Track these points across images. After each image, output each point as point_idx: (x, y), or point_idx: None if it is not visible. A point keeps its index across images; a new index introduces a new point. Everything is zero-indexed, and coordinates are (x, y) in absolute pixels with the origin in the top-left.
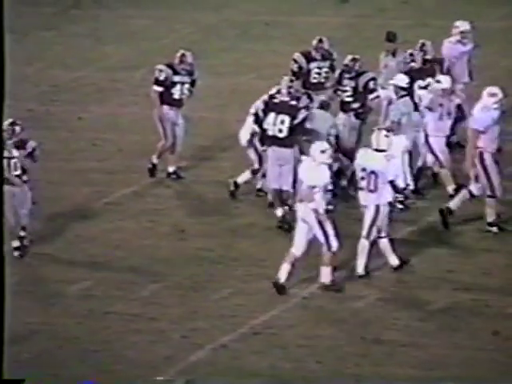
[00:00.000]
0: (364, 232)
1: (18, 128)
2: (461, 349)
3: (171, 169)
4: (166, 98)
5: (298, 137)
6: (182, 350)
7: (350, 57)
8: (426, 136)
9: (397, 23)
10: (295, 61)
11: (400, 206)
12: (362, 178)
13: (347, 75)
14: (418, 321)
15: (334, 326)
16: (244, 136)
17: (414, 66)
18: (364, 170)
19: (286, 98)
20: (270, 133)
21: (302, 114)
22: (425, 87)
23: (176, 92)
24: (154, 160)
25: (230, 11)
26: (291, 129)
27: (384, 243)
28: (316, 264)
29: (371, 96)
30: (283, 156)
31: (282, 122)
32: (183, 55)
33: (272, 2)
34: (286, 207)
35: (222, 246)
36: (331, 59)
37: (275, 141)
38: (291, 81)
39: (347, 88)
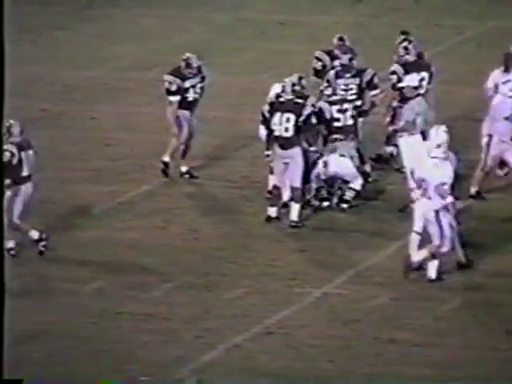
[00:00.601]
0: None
1: (16, 129)
2: (474, 348)
3: (184, 168)
4: (182, 104)
5: (306, 134)
6: (195, 349)
7: (346, 56)
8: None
9: (409, 23)
10: (318, 59)
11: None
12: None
13: (348, 74)
14: (431, 320)
15: (346, 326)
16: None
17: (409, 58)
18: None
19: (291, 96)
20: (277, 133)
21: (306, 111)
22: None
23: (190, 96)
24: (166, 158)
25: (245, 11)
26: (297, 127)
27: (416, 238)
28: (328, 261)
29: (375, 92)
30: (289, 154)
31: (288, 121)
32: (188, 59)
33: (287, 2)
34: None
35: (235, 245)
36: (353, 57)
37: (281, 140)
38: (300, 78)
39: (352, 86)
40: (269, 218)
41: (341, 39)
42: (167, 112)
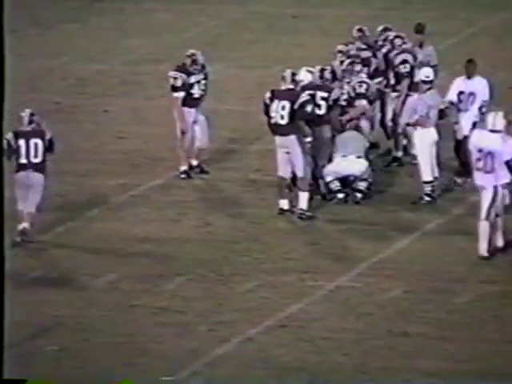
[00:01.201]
0: (483, 213)
1: (25, 119)
2: (488, 342)
3: (195, 162)
4: (187, 101)
5: (300, 122)
6: (208, 342)
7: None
8: None
9: (422, 15)
10: (341, 52)
11: (427, 199)
12: (479, 160)
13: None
14: (445, 313)
15: (360, 319)
16: None
17: (407, 47)
18: (480, 151)
19: (290, 86)
20: (273, 120)
21: (301, 98)
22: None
23: (195, 92)
24: (193, 162)
25: (256, 4)
26: (292, 114)
27: (486, 226)
28: (341, 255)
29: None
30: (287, 143)
31: (283, 108)
32: (194, 55)
33: None
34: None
35: (248, 238)
36: (374, 47)
37: (278, 128)
38: (322, 70)
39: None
40: (281, 211)
41: (360, 30)
42: (174, 113)
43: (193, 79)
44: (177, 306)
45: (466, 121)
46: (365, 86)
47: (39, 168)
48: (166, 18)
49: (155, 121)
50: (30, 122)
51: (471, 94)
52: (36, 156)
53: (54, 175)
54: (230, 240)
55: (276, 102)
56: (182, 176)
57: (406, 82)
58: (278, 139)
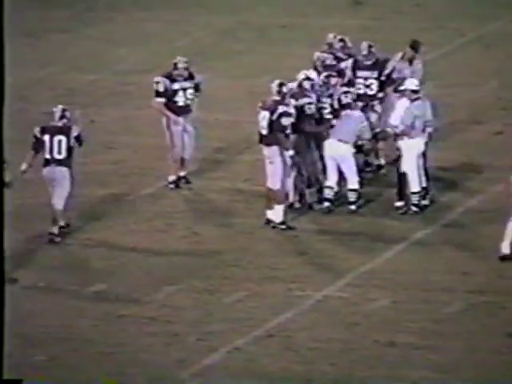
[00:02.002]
0: None
1: (56, 114)
2: (476, 351)
3: (182, 173)
4: (171, 107)
5: (278, 134)
6: (197, 352)
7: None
8: None
9: (412, 25)
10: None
11: (415, 209)
12: None
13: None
14: (432, 323)
15: (347, 329)
16: None
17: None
18: None
19: (276, 97)
20: (259, 130)
21: (279, 110)
22: None
23: (180, 99)
24: (181, 173)
25: (245, 14)
26: (270, 125)
27: None
28: (329, 265)
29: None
30: (269, 153)
31: (263, 118)
32: (177, 62)
33: (287, 5)
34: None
35: (236, 248)
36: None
37: (262, 138)
38: (308, 78)
39: (372, 81)
40: (268, 221)
41: (342, 40)
42: (162, 123)
43: (176, 86)
44: (165, 316)
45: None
46: (350, 96)
47: (62, 163)
48: (155, 28)
49: (144, 131)
50: (62, 118)
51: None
52: (59, 152)
53: (42, 185)
54: (218, 250)
55: (261, 111)
56: (171, 186)
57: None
58: (263, 149)
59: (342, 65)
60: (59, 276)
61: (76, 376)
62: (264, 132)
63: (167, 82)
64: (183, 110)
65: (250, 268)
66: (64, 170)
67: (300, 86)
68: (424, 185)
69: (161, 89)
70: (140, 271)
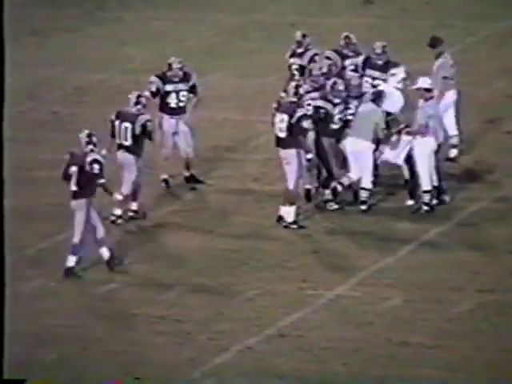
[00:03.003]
0: None
1: (143, 99)
2: (486, 350)
3: (187, 173)
4: (163, 108)
5: (299, 136)
6: (208, 351)
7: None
8: None
9: (420, 24)
10: (329, 58)
11: (425, 208)
12: None
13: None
14: (444, 322)
15: (359, 328)
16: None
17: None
18: None
19: (293, 99)
20: (275, 132)
21: (298, 113)
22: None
23: (172, 101)
24: (185, 174)
25: (254, 13)
26: (289, 128)
27: None
28: (340, 264)
29: None
30: (286, 156)
31: (282, 121)
32: (171, 62)
33: (297, 4)
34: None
35: (247, 247)
36: (361, 54)
37: (279, 140)
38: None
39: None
40: (279, 218)
41: (347, 37)
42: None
43: (168, 87)
44: (176, 315)
45: None
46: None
47: (130, 149)
48: (164, 27)
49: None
50: (136, 104)
51: None
52: (126, 139)
53: (51, 184)
54: (229, 249)
55: (278, 114)
56: (162, 185)
57: None
58: (280, 151)
59: (347, 62)
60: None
61: (86, 375)
62: (282, 135)
63: (160, 83)
64: (175, 112)
65: (260, 267)
66: (132, 157)
67: (296, 93)
68: (436, 184)
69: (153, 89)
70: (151, 270)
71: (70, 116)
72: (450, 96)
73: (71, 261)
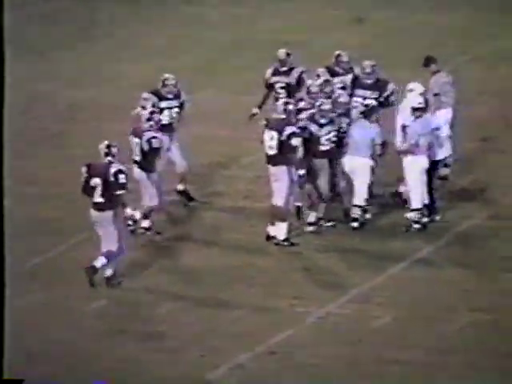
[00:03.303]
0: None
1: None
2: (477, 369)
3: (180, 187)
4: None
5: (289, 154)
6: (198, 368)
7: (367, 63)
8: None
9: (414, 43)
10: (318, 76)
11: (416, 226)
12: None
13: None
14: (435, 341)
15: (350, 346)
16: None
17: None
18: None
19: (282, 115)
20: (265, 150)
21: (287, 130)
22: None
23: (164, 118)
24: (179, 187)
25: (247, 30)
26: (279, 145)
27: None
28: (332, 281)
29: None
30: (276, 173)
31: (272, 139)
32: (165, 79)
33: (290, 22)
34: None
35: (238, 264)
36: (352, 72)
37: (268, 158)
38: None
39: (371, 101)
40: (268, 237)
41: (339, 56)
42: None
43: (163, 104)
44: (167, 332)
45: None
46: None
47: (140, 165)
48: (156, 44)
49: None
50: (148, 120)
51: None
52: (136, 154)
53: (42, 200)
54: (220, 265)
55: (267, 131)
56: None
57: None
58: (270, 168)
59: (335, 80)
60: (60, 290)
61: None
62: (272, 152)
63: (155, 98)
64: (167, 129)
65: (252, 284)
66: (141, 172)
67: (285, 110)
68: (426, 202)
69: (148, 105)
70: (141, 286)
71: (62, 133)
72: (443, 115)
73: (100, 262)
